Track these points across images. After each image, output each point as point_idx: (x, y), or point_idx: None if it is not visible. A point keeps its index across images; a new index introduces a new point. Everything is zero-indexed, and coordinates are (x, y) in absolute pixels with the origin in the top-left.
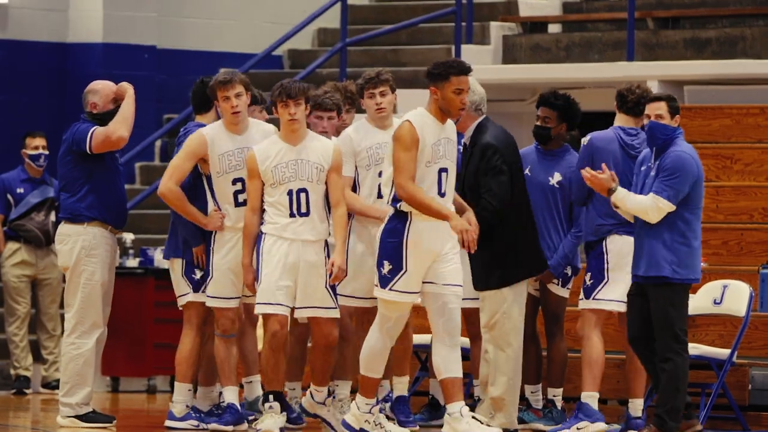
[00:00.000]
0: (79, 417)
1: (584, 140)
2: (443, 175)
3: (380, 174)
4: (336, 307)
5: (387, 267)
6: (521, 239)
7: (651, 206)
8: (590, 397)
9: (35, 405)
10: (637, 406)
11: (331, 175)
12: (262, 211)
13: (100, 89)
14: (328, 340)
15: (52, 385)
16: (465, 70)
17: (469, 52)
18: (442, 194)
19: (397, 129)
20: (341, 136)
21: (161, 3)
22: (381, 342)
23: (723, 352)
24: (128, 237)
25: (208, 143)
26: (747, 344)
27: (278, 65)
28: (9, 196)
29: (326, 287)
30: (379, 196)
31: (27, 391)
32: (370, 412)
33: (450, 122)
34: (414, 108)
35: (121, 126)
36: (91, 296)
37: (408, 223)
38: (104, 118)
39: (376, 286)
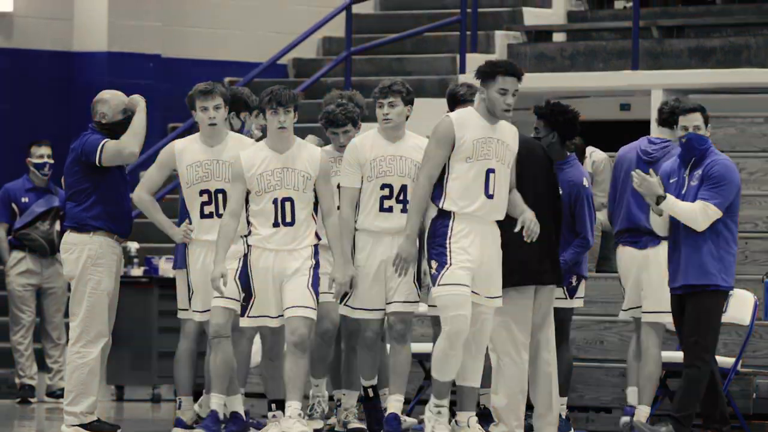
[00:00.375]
0: (83, 426)
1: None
2: (491, 175)
3: (382, 187)
4: (313, 308)
5: (434, 266)
6: (518, 247)
7: (702, 213)
8: None
9: (40, 414)
10: (641, 413)
11: (320, 183)
12: (248, 221)
13: (109, 99)
14: (294, 335)
15: (56, 393)
16: (511, 71)
17: (473, 61)
18: (489, 195)
19: (437, 123)
20: (348, 145)
21: (166, 12)
22: (441, 347)
23: (727, 361)
24: (133, 246)
25: (176, 154)
26: (751, 353)
27: (283, 74)
28: (14, 206)
29: (307, 287)
30: (382, 209)
31: (32, 399)
32: (438, 412)
33: (505, 125)
34: (418, 117)
35: (132, 141)
36: (96, 305)
37: (451, 221)
38: (113, 128)
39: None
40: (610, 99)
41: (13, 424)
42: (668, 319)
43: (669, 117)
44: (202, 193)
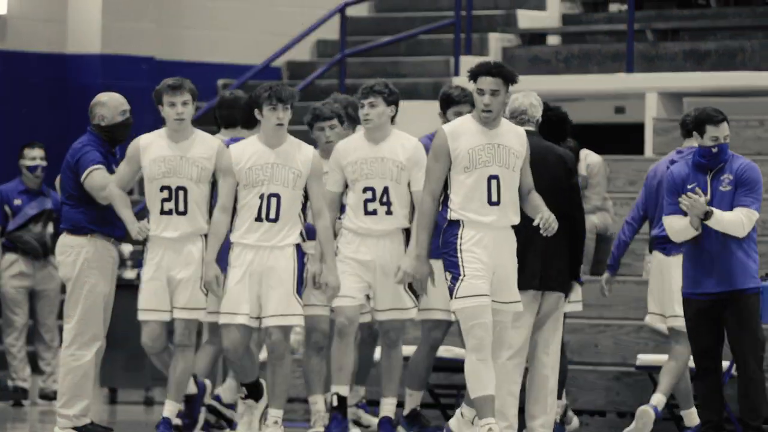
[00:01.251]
0: (76, 429)
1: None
2: (493, 182)
3: (365, 190)
4: (294, 314)
5: (448, 277)
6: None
7: (748, 220)
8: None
9: (32, 416)
10: (656, 400)
11: (311, 183)
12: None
13: (107, 101)
14: (268, 342)
15: (49, 396)
16: (486, 71)
17: (468, 64)
18: (492, 203)
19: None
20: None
21: (160, 14)
22: (470, 361)
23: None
24: (126, 248)
25: (140, 149)
26: None
27: (277, 76)
28: (6, 208)
29: (293, 294)
30: (366, 212)
31: (24, 402)
32: (489, 429)
33: (508, 128)
34: (412, 119)
35: (108, 197)
36: (92, 308)
37: (460, 230)
38: (112, 130)
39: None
40: (604, 102)
41: (6, 426)
42: None
43: (695, 127)
44: (162, 189)
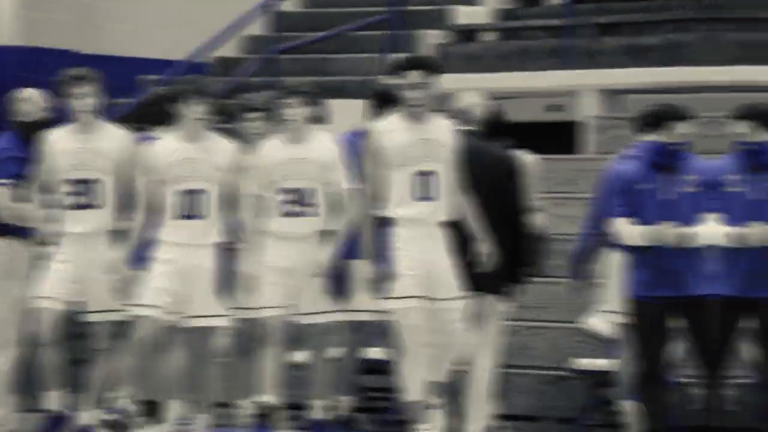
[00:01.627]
0: None
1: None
2: (422, 178)
3: (285, 191)
4: (219, 316)
5: (380, 276)
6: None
7: None
8: None
9: None
10: None
11: (233, 177)
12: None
13: (30, 97)
14: (195, 350)
15: None
16: (411, 64)
17: None
18: (422, 198)
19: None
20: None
21: (79, 5)
22: (400, 362)
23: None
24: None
25: (50, 144)
26: None
27: (206, 72)
28: None
29: (216, 294)
30: (286, 214)
31: None
32: None
33: (436, 122)
34: (339, 118)
35: (14, 215)
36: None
37: (392, 228)
38: (33, 127)
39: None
40: (541, 99)
41: None
42: None
43: (658, 122)
44: (71, 182)
